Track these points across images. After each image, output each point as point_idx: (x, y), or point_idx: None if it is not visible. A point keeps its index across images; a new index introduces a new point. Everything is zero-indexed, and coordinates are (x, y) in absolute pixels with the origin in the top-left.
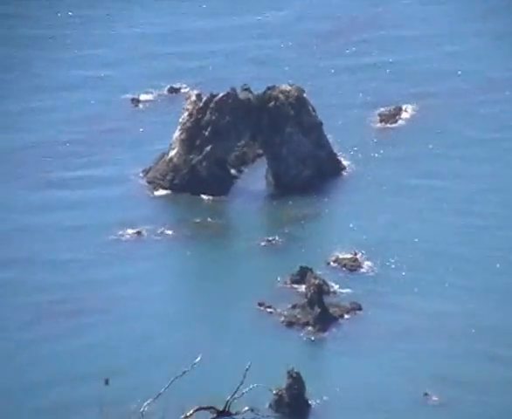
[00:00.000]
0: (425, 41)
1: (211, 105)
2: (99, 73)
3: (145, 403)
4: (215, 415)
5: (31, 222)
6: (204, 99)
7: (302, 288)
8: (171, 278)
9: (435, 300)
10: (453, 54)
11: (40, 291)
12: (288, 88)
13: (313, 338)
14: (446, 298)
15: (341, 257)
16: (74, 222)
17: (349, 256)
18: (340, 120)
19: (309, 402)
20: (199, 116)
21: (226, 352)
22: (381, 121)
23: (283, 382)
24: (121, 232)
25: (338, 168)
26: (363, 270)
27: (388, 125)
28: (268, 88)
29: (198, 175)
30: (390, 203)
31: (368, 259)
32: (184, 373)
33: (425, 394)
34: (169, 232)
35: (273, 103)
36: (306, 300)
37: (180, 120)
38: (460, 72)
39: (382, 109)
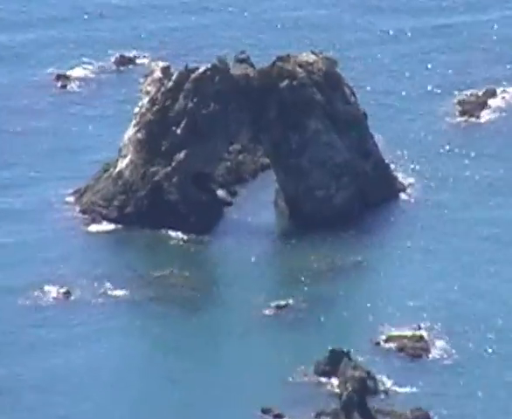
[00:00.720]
0: None
1: (187, 85)
2: (4, 38)
3: None
4: None
5: None
6: (176, 75)
7: (334, 384)
8: (119, 373)
9: None
10: None
11: None
12: (312, 58)
13: None
14: None
15: (396, 333)
16: None
17: (409, 332)
18: (395, 111)
19: None
20: (167, 103)
21: None
22: (462, 114)
23: None
24: (38, 293)
25: (392, 189)
26: (432, 355)
27: (473, 119)
28: (279, 58)
29: (165, 200)
30: (472, 250)
31: (440, 338)
32: None
33: None
34: (117, 293)
35: (286, 82)
36: (340, 405)
37: (135, 109)
38: None
39: (463, 95)
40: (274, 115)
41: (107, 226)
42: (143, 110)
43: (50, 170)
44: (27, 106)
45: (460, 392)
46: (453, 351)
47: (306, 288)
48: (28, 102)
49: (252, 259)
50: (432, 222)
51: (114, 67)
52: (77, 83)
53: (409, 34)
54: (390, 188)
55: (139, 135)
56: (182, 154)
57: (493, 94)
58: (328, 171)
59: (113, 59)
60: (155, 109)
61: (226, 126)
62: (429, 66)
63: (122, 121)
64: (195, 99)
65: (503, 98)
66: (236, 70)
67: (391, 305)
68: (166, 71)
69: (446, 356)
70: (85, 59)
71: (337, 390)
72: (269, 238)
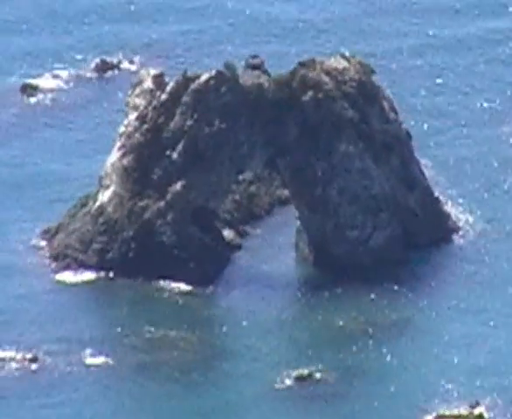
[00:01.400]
0: None
1: (185, 97)
2: None
3: None
4: None
5: None
6: (171, 84)
7: None
8: None
9: None
10: None
11: None
12: (343, 64)
13: None
14: None
15: (448, 412)
16: None
17: (465, 411)
18: (446, 131)
19: None
20: (160, 121)
21: None
22: None
23: None
24: None
25: (442, 229)
26: None
27: None
28: (301, 64)
29: (157, 243)
30: None
31: (504, 417)
32: None
33: None
34: (96, 360)
35: (310, 94)
36: None
37: (120, 128)
38: None
39: None
40: (295, 136)
41: (84, 275)
42: (130, 129)
43: (12, 205)
44: None
45: None
46: None
47: (334, 354)
48: None
49: (267, 317)
50: (492, 271)
51: (93, 75)
52: (47, 95)
53: (464, 41)
54: (441, 228)
55: (125, 161)
56: (178, 185)
57: None
58: (363, 205)
59: (92, 65)
60: (144, 128)
61: (235, 149)
62: (487, 79)
63: (104, 144)
64: (195, 116)
65: None
66: (247, 78)
67: (442, 375)
68: (159, 79)
69: None
70: (57, 66)
71: None
72: (288, 291)
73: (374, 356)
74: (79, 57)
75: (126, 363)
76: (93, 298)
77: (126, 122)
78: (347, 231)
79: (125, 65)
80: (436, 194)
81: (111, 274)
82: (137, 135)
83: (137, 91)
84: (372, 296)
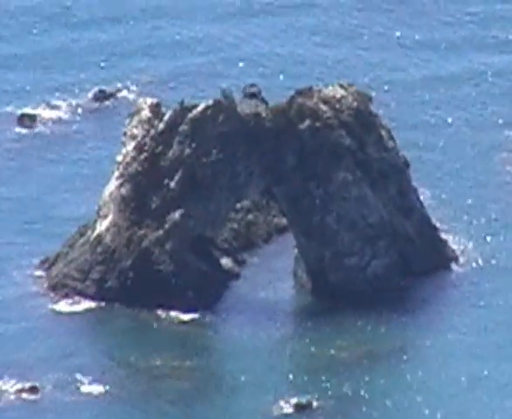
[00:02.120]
0: None
1: (183, 126)
2: None
3: None
4: None
5: None
6: (169, 114)
7: None
8: None
9: None
10: None
11: None
12: (340, 92)
13: None
14: None
15: None
16: None
17: None
18: (444, 159)
19: None
20: (158, 150)
21: None
22: None
23: None
24: None
25: (441, 257)
26: None
27: None
28: (298, 93)
29: (155, 271)
30: None
31: None
32: None
33: None
34: (94, 389)
35: (308, 123)
36: None
37: (118, 158)
38: None
39: None
40: (292, 164)
41: (82, 305)
42: (128, 159)
43: (10, 235)
44: None
45: None
46: None
47: (333, 383)
48: None
49: (265, 345)
50: (493, 300)
51: (91, 105)
52: (45, 124)
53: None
54: (438, 256)
55: (123, 190)
56: (177, 214)
57: None
58: (361, 233)
59: (90, 95)
60: (142, 157)
61: (232, 178)
62: (480, 105)
63: (102, 173)
64: (193, 145)
65: None
66: (244, 107)
67: (439, 405)
68: (156, 109)
69: None
70: (55, 95)
71: None
72: (287, 319)
73: (371, 385)
74: (75, 85)
75: (124, 392)
76: (92, 328)
77: (124, 152)
78: (345, 259)
79: (122, 92)
80: (433, 221)
81: (109, 303)
82: (135, 165)
83: (135, 120)
84: (370, 324)
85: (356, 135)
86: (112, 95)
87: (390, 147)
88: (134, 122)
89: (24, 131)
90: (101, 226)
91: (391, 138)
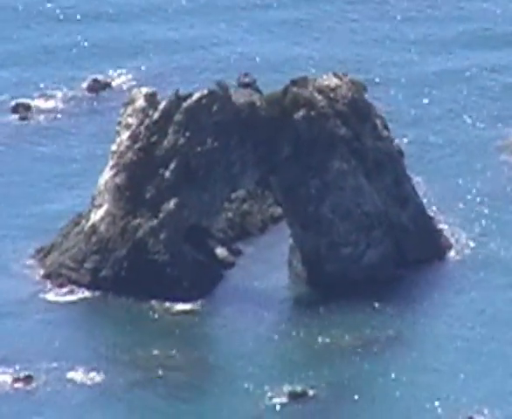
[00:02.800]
0: None
1: (178, 116)
2: None
3: None
4: None
5: None
6: (164, 103)
7: None
8: None
9: None
10: None
11: None
12: (335, 82)
13: None
14: None
15: None
16: None
17: None
18: (438, 147)
19: None
20: (153, 139)
21: None
22: None
23: None
24: None
25: (435, 246)
26: None
27: None
28: (293, 82)
29: (150, 261)
30: None
31: None
32: None
33: None
34: (89, 378)
35: (303, 112)
36: None
37: (113, 147)
38: None
39: None
40: (288, 153)
41: (77, 294)
42: (123, 148)
43: (5, 225)
44: None
45: None
46: None
47: (327, 371)
48: None
49: (260, 335)
50: (486, 288)
51: (85, 94)
52: (40, 115)
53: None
54: (434, 245)
55: (117, 180)
56: (171, 204)
57: None
58: (356, 223)
59: (84, 85)
60: (137, 147)
61: (227, 167)
62: (479, 96)
63: (96, 163)
64: (187, 134)
65: None
66: (239, 97)
67: (434, 393)
68: (151, 98)
69: None
70: (50, 85)
71: None
72: (281, 308)
73: (366, 373)
74: (69, 75)
75: (118, 382)
76: (86, 317)
77: (118, 141)
78: (340, 249)
79: (117, 80)
80: (428, 210)
81: (104, 293)
82: (130, 154)
83: (129, 110)
84: (365, 313)
85: (350, 125)
86: (107, 85)
87: (384, 136)
88: (129, 111)
89: (18, 120)
90: (96, 215)
91: (386, 127)
